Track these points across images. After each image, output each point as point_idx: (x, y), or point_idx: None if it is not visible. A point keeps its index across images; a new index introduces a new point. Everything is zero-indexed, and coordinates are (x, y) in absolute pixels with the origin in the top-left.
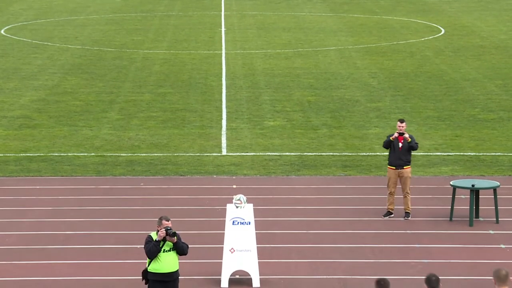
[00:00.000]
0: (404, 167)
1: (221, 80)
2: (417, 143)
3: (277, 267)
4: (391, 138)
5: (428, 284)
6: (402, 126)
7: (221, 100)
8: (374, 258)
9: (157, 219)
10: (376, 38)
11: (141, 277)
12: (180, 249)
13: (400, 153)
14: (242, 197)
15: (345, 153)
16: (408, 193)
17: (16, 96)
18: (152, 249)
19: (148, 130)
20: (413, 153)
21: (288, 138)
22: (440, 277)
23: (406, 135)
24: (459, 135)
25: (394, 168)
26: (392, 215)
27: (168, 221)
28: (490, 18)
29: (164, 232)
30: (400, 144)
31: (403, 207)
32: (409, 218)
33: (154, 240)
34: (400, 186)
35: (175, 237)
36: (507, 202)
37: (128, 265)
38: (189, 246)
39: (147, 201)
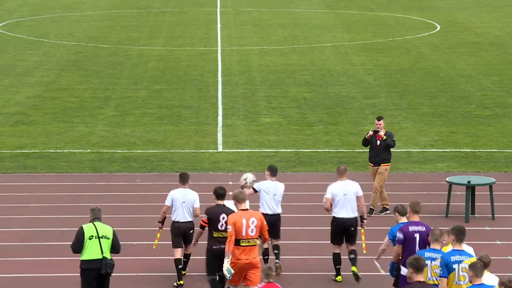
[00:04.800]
0: (381, 164)
1: (217, 77)
2: (394, 140)
3: (273, 263)
4: (366, 136)
5: (270, 170)
6: (379, 124)
7: (217, 97)
8: (369, 255)
9: (154, 215)
10: (371, 35)
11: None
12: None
13: (378, 150)
14: (249, 178)
15: (341, 150)
16: (377, 189)
17: (12, 92)
18: None
19: (144, 127)
20: (410, 149)
21: (284, 134)
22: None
23: (381, 133)
24: (455, 132)
25: (372, 165)
26: (388, 211)
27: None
28: (485, 15)
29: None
30: (378, 142)
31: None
32: (372, 215)
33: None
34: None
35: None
36: (503, 199)
37: (124, 261)
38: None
39: (143, 198)
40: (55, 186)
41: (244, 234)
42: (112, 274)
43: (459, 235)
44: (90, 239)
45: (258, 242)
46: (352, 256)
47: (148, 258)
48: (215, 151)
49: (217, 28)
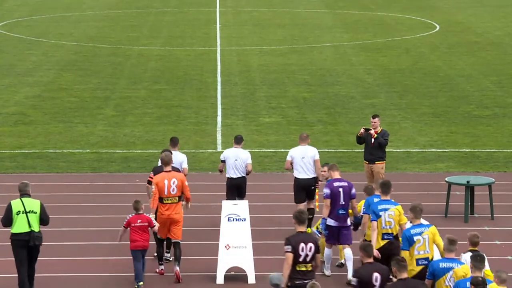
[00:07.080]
0: (376, 162)
1: (216, 77)
2: (386, 139)
3: (272, 264)
4: (358, 134)
5: (234, 139)
6: (374, 122)
7: (216, 97)
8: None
9: (153, 215)
10: (371, 35)
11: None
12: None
13: (371, 148)
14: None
15: (340, 150)
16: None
17: (11, 92)
18: None
19: (143, 127)
20: (409, 149)
21: (283, 134)
22: None
23: (372, 131)
24: (454, 132)
25: (367, 162)
26: None
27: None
28: (485, 15)
29: None
30: (373, 140)
31: None
32: None
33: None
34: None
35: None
36: (502, 199)
37: (123, 261)
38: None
39: (142, 198)
40: (54, 186)
41: (166, 193)
42: (111, 274)
43: (384, 188)
44: (17, 214)
45: (183, 203)
46: (309, 216)
47: (147, 258)
48: (215, 151)
49: (216, 28)
